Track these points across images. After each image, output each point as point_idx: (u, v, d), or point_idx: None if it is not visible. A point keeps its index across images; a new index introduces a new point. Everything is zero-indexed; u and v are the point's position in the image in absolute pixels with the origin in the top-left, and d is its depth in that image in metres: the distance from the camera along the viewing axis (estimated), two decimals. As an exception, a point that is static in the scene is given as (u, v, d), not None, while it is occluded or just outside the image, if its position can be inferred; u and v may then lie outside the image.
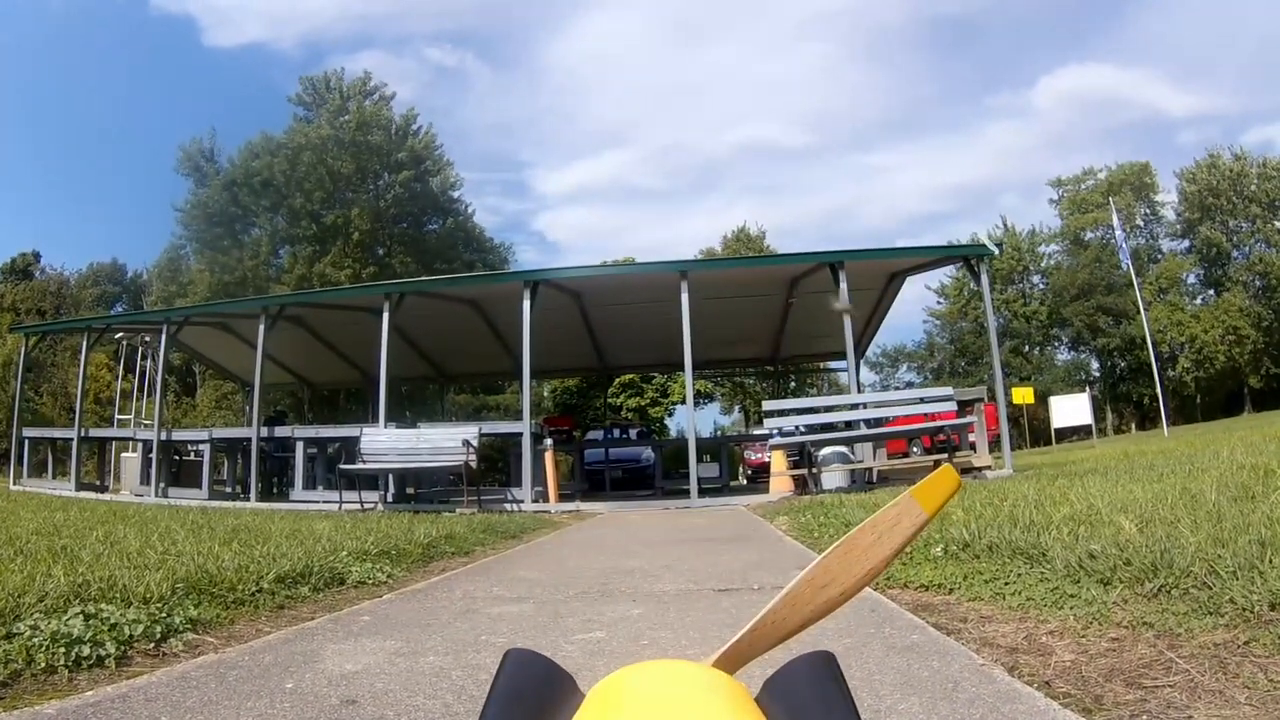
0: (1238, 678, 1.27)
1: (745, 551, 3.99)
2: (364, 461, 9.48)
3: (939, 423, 9.56)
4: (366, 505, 9.38)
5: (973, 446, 10.19)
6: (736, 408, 45.77)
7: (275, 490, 12.85)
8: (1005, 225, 51.15)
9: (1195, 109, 71.52)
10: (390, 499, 10.29)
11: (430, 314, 13.18)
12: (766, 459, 14.08)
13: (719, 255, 43.05)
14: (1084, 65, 78.36)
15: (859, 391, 11.77)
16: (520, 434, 10.31)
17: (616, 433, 21.91)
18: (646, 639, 1.92)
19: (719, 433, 29.73)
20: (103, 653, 1.79)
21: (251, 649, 1.92)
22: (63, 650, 1.67)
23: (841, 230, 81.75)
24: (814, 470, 8.98)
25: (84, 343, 14.60)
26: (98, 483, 14.95)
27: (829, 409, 10.12)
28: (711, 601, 2.47)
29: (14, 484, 13.43)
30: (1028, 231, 50.79)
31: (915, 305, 52.84)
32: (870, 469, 9.58)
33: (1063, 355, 50.88)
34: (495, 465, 21.01)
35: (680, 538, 5.04)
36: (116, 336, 16.27)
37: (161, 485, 11.84)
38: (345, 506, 9.06)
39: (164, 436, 12.34)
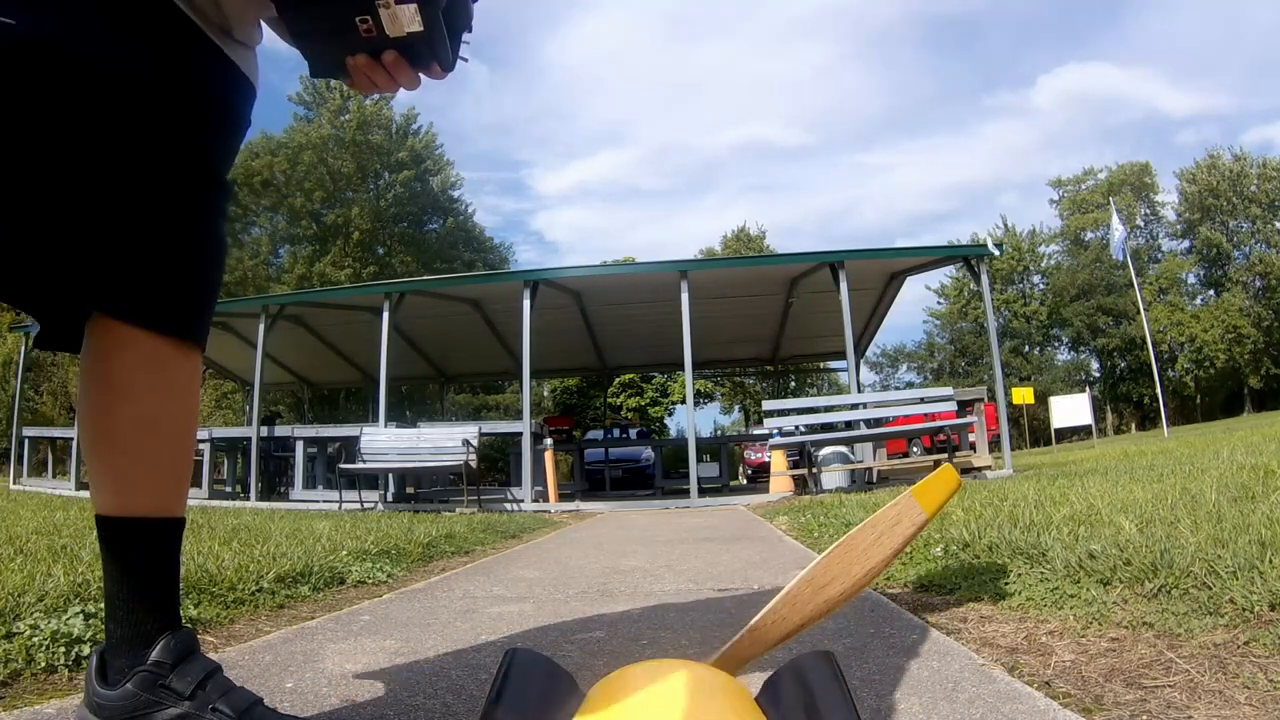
0: (1237, 678, 1.27)
1: (745, 551, 3.99)
2: (364, 461, 9.48)
3: (939, 423, 9.57)
4: (366, 505, 9.39)
5: (973, 446, 10.20)
6: (736, 407, 45.84)
7: (276, 490, 12.85)
8: (1005, 225, 51.24)
9: (1195, 108, 71.71)
10: (390, 498, 10.30)
11: (430, 313, 13.18)
12: (766, 459, 14.09)
13: (719, 255, 43.07)
14: (1083, 64, 78.62)
15: (859, 391, 11.77)
16: (520, 434, 10.31)
17: (616, 432, 21.97)
18: (646, 639, 1.92)
19: (719, 432, 29.76)
20: (103, 652, 1.79)
21: (251, 648, 1.92)
22: (63, 649, 1.67)
23: (841, 229, 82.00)
24: (814, 470, 8.98)
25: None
26: (98, 482, 14.93)
27: (829, 409, 10.11)
28: (712, 601, 2.47)
29: (14, 483, 13.43)
30: (1028, 231, 50.88)
31: (915, 305, 53.11)
32: (870, 469, 9.58)
33: (1063, 355, 51.03)
34: (495, 465, 21.07)
35: (680, 537, 5.04)
36: (116, 336, 16.23)
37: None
38: (345, 506, 9.07)
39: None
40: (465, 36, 1.07)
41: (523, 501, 9.77)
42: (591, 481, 16.30)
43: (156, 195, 1.03)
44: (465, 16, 1.06)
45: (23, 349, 15.80)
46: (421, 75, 1.04)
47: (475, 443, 9.30)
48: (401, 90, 1.06)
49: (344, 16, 0.96)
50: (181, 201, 1.05)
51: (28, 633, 1.71)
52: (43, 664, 1.62)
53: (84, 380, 1.06)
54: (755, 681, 0.65)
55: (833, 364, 21.25)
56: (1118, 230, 22.20)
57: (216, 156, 1.11)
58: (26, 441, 14.21)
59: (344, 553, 3.55)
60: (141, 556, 1.06)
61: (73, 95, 0.95)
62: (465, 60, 1.07)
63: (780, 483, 9.81)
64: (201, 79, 1.07)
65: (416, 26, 0.96)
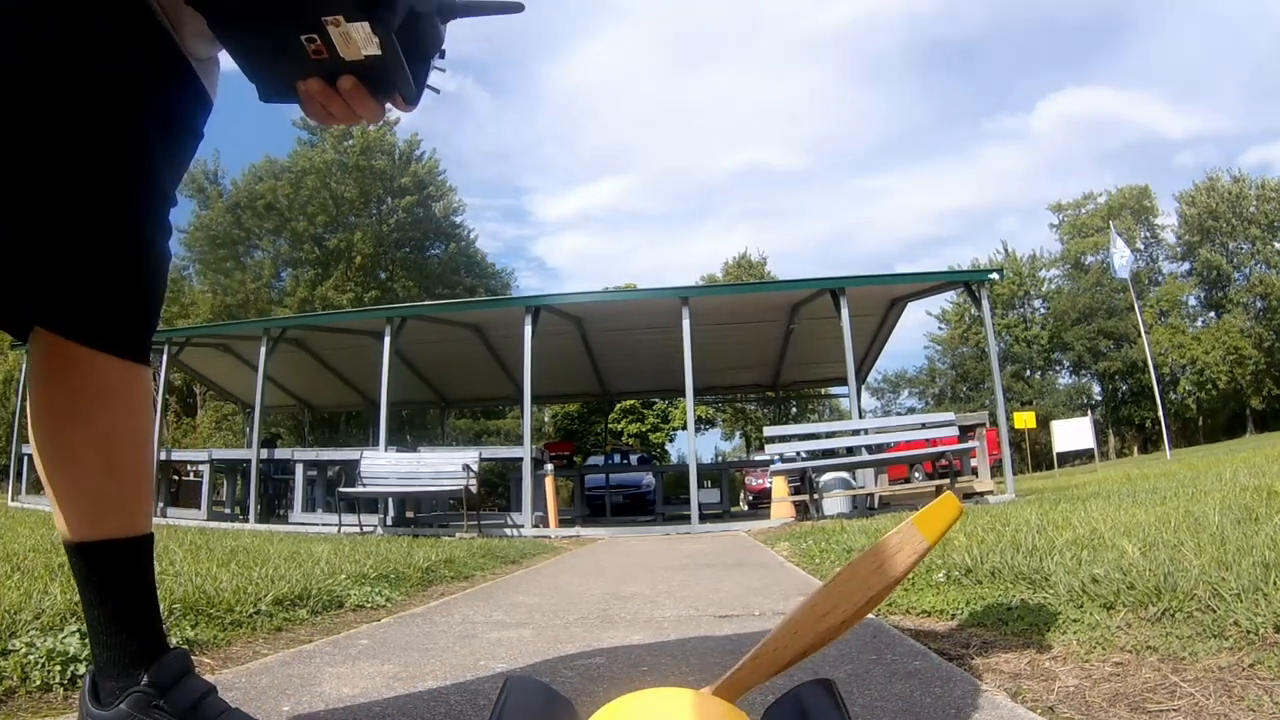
0: (1242, 701, 1.26)
1: (746, 577, 3.97)
2: (364, 485, 9.46)
3: (941, 448, 9.53)
4: (365, 528, 9.34)
5: (974, 471, 10.16)
6: (738, 433, 45.74)
7: (275, 512, 12.80)
8: (1005, 250, 51.40)
9: (1193, 131, 72.27)
10: (389, 522, 10.25)
11: (431, 338, 13.20)
12: (767, 485, 14.01)
13: (720, 281, 43.22)
14: (1082, 88, 79.39)
15: (860, 417, 11.75)
16: (521, 459, 10.29)
17: (617, 458, 21.90)
18: (646, 665, 1.90)
19: (720, 459, 29.67)
20: (99, 677, 1.77)
21: (248, 671, 1.91)
22: (58, 668, 1.66)
23: (841, 254, 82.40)
24: (815, 496, 8.95)
25: (86, 365, 14.55)
26: (96, 505, 14.84)
27: (830, 435, 10.10)
28: (712, 628, 2.46)
29: (12, 500, 13.38)
30: (1028, 256, 51.04)
31: (916, 331, 53.16)
32: (872, 494, 9.54)
33: (1064, 379, 50.97)
34: (495, 490, 20.97)
35: (681, 563, 5.02)
36: (118, 358, 16.23)
37: (160, 505, 11.80)
38: (344, 529, 9.03)
39: (163, 456, 12.32)
40: (438, 63, 0.95)
41: (523, 527, 9.72)
42: (592, 507, 16.22)
43: (108, 209, 0.98)
44: (433, 41, 0.93)
45: (23, 366, 15.81)
46: (389, 107, 0.93)
47: (475, 467, 9.28)
48: (398, 114, 0.96)
49: (287, 36, 0.84)
50: (133, 217, 1.01)
51: (23, 650, 1.70)
52: (38, 682, 1.61)
53: (35, 403, 1.03)
54: (756, 709, 0.64)
55: (834, 390, 21.25)
56: (1123, 253, 22.16)
57: (169, 170, 1.07)
58: (26, 459, 14.18)
59: (343, 576, 3.53)
60: (116, 578, 1.05)
61: (37, 95, 0.90)
62: (436, 91, 0.95)
63: (781, 509, 9.77)
64: (165, 88, 1.03)
65: (374, 50, 0.83)
